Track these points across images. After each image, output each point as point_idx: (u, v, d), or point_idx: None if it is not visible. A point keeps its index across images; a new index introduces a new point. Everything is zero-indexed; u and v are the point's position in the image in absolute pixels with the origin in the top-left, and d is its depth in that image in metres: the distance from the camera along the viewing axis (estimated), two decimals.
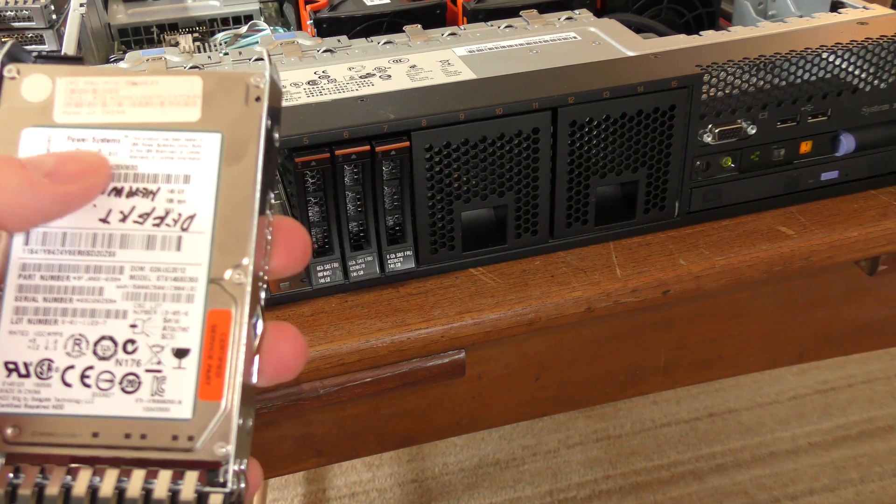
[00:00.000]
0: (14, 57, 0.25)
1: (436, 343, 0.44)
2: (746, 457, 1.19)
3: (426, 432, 0.52)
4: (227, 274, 0.23)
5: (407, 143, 0.42)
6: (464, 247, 0.46)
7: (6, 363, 0.23)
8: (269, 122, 0.24)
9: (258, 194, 0.24)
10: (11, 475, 0.23)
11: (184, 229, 0.24)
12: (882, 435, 1.22)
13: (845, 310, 0.56)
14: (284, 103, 0.45)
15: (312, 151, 0.41)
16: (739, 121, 0.47)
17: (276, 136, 0.25)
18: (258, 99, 0.24)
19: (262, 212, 0.24)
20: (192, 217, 0.24)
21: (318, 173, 0.42)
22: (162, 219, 0.24)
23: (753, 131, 0.47)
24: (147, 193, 0.24)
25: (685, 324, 0.53)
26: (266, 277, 0.24)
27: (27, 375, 0.23)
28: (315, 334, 0.43)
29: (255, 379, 0.24)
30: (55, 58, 0.25)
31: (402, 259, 0.46)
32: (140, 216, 0.24)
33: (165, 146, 0.24)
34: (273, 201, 0.25)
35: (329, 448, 0.50)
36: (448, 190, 0.44)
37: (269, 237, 0.24)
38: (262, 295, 0.24)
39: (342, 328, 0.43)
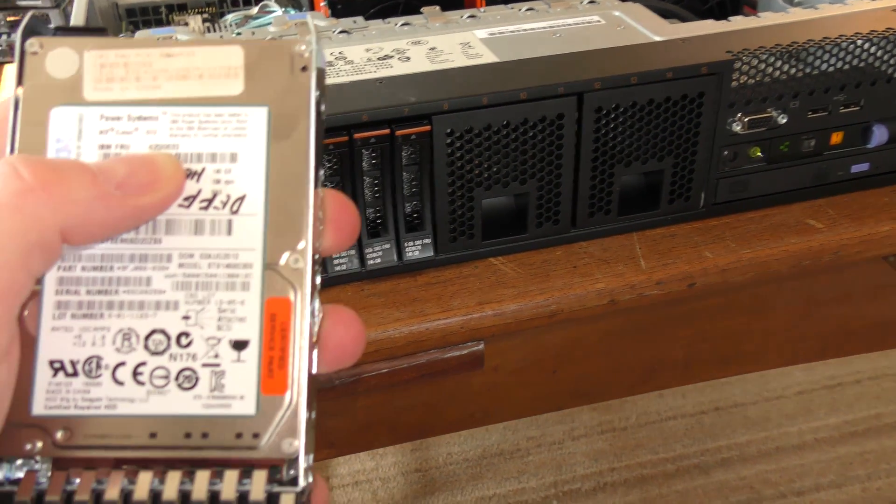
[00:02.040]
0: (34, 30, 0.23)
1: (455, 334, 0.42)
2: (752, 451, 1.18)
3: (439, 425, 0.51)
4: (284, 258, 0.22)
5: (428, 128, 0.41)
6: (484, 235, 0.45)
7: (51, 362, 0.22)
8: (318, 93, 0.23)
9: (312, 171, 0.22)
10: (65, 482, 0.21)
11: (234, 212, 0.22)
12: (889, 431, 1.21)
13: (869, 306, 0.55)
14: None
15: (330, 134, 0.40)
16: (769, 110, 0.46)
17: (324, 108, 0.23)
18: (304, 68, 0.22)
19: (315, 188, 0.22)
20: (241, 198, 0.22)
21: (336, 157, 0.40)
22: (209, 201, 0.22)
23: (784, 121, 0.46)
24: (192, 174, 0.22)
25: (706, 318, 0.52)
26: (320, 258, 0.23)
27: (75, 374, 0.22)
28: None
29: (315, 369, 0.22)
30: (77, 29, 0.23)
31: (420, 247, 0.44)
32: (185, 199, 0.22)
33: (208, 122, 0.22)
34: (322, 177, 0.23)
35: (341, 440, 0.49)
36: (469, 176, 0.43)
37: (322, 214, 0.23)
38: (318, 278, 0.22)
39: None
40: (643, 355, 0.52)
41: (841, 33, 0.45)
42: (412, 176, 0.42)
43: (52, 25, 0.23)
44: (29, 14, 0.23)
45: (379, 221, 0.43)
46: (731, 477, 1.15)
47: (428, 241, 0.44)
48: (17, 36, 0.23)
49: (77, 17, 0.54)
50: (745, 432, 1.21)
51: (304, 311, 0.22)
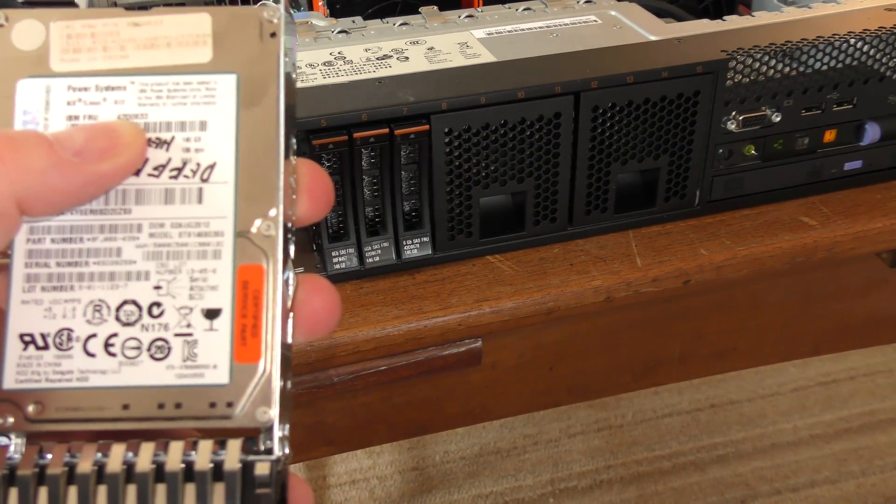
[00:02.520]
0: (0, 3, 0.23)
1: (453, 331, 0.43)
2: (748, 448, 1.19)
3: (438, 422, 0.52)
4: (256, 226, 0.22)
5: (427, 127, 0.41)
6: (482, 233, 0.46)
7: (21, 335, 0.21)
8: (287, 59, 0.22)
9: (282, 138, 0.22)
10: (37, 455, 0.21)
11: (204, 180, 0.22)
12: (884, 427, 1.22)
13: (864, 302, 0.55)
14: (299, 84, 0.44)
15: (330, 134, 0.40)
16: (764, 108, 0.46)
17: (294, 75, 0.23)
18: (273, 34, 0.22)
19: (286, 157, 0.22)
20: (212, 166, 0.22)
21: (335, 156, 0.41)
22: (179, 170, 0.22)
23: (778, 119, 0.47)
24: (161, 143, 0.22)
25: (702, 314, 0.52)
26: (293, 228, 0.23)
27: (45, 347, 0.21)
28: None
29: (290, 339, 0.22)
30: (45, 2, 0.23)
31: (418, 245, 0.45)
32: (155, 168, 0.22)
33: (177, 91, 0.22)
34: (295, 146, 0.23)
35: (340, 437, 0.49)
36: (467, 175, 0.43)
37: (294, 184, 0.23)
38: (292, 247, 0.22)
39: (358, 315, 0.43)
40: (640, 352, 0.53)
41: (834, 32, 0.46)
42: (411, 175, 0.43)
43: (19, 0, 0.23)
44: None
45: (378, 220, 0.44)
46: (727, 473, 1.15)
47: (426, 239, 0.45)
48: None
49: None
50: (741, 429, 1.22)
51: (277, 279, 0.21)
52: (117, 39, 0.22)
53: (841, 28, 0.46)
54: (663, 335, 0.53)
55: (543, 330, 0.49)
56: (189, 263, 0.22)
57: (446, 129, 0.42)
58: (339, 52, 0.47)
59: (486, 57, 0.46)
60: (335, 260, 0.44)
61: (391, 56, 0.46)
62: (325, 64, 0.46)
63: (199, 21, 0.22)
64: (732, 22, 0.48)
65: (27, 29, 0.22)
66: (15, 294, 0.22)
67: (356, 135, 0.40)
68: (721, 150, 0.47)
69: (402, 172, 0.42)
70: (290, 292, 0.22)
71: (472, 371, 0.48)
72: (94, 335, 0.22)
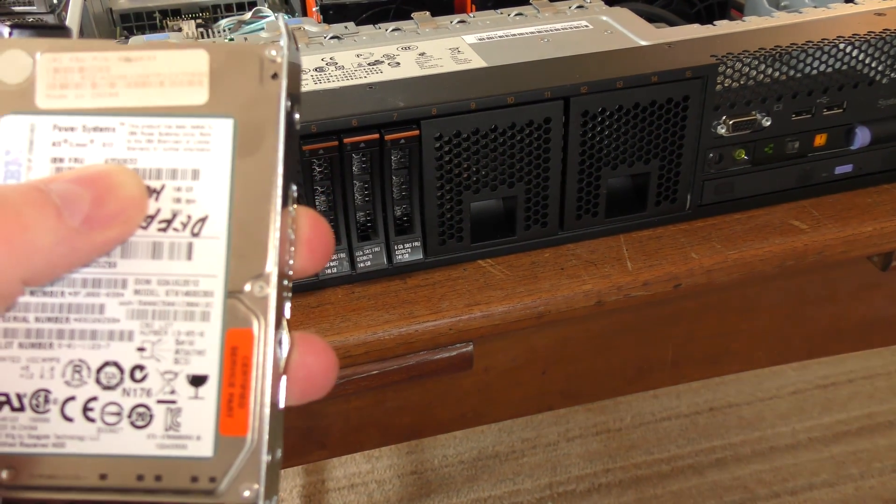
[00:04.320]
0: None
1: (444, 336, 0.43)
2: (746, 451, 1.19)
3: (431, 426, 0.52)
4: (248, 286, 0.20)
5: (417, 132, 0.41)
6: (472, 238, 0.46)
7: None
8: (289, 104, 0.21)
9: (280, 190, 0.20)
10: None
11: (195, 234, 0.20)
12: (882, 430, 1.22)
13: (856, 305, 0.55)
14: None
15: (320, 139, 0.40)
16: (754, 112, 0.46)
17: (297, 117, 0.21)
18: (275, 76, 0.21)
19: (284, 206, 0.21)
20: (203, 220, 0.20)
21: (326, 162, 0.41)
22: (169, 222, 0.20)
23: (768, 123, 0.47)
24: (150, 192, 0.20)
25: (694, 318, 0.52)
26: (290, 284, 0.21)
27: (21, 409, 0.20)
28: (321, 326, 0.42)
29: (282, 403, 0.21)
30: (35, 26, 0.22)
31: (409, 250, 0.45)
32: (143, 220, 0.20)
33: (169, 135, 0.21)
34: (295, 194, 0.21)
35: (333, 441, 0.50)
36: (457, 180, 0.44)
37: (293, 235, 0.21)
38: (288, 305, 0.21)
39: (349, 320, 0.43)
40: (632, 356, 0.53)
41: (824, 37, 0.46)
42: (402, 180, 0.43)
43: (8, 24, 0.22)
44: None
45: (369, 224, 0.44)
46: (726, 477, 1.15)
47: (417, 243, 0.45)
48: None
49: (71, 23, 0.55)
50: (740, 432, 1.22)
51: (268, 344, 0.20)
52: (107, 76, 0.21)
53: (831, 33, 0.46)
54: (656, 339, 0.53)
55: (536, 334, 0.49)
56: (175, 325, 0.20)
57: (436, 135, 0.42)
58: (330, 58, 0.47)
59: (477, 62, 0.46)
60: (327, 265, 0.44)
61: (382, 62, 0.47)
62: (316, 70, 0.46)
63: (195, 58, 0.21)
64: (723, 27, 0.49)
65: (12, 60, 0.21)
66: None
67: (346, 140, 0.41)
68: (711, 155, 0.47)
69: (393, 177, 0.43)
70: (284, 354, 0.21)
71: (464, 375, 0.49)
72: (72, 398, 0.20)
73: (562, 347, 0.51)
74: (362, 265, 0.44)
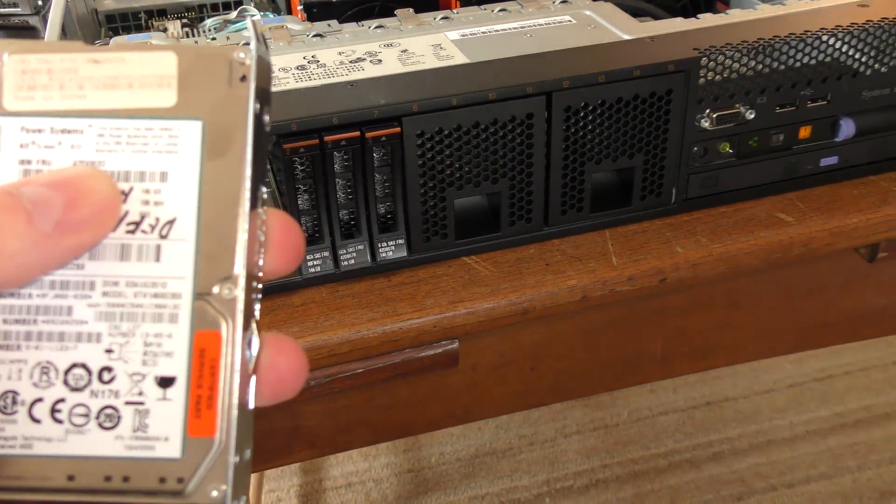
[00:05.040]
0: None
1: (428, 333, 0.43)
2: (743, 445, 1.19)
3: (420, 423, 0.52)
4: (216, 288, 0.20)
5: (398, 129, 0.41)
6: (457, 235, 0.46)
7: None
8: (258, 106, 0.21)
9: (248, 192, 0.20)
10: None
11: (163, 236, 0.20)
12: (879, 422, 1.22)
13: (844, 298, 0.55)
14: (272, 88, 0.44)
15: (301, 138, 0.40)
16: (738, 105, 0.46)
17: (267, 119, 0.22)
18: (244, 78, 0.21)
19: (253, 208, 0.21)
20: (171, 222, 0.20)
21: (308, 160, 0.41)
22: (137, 224, 0.20)
23: (752, 116, 0.47)
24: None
25: (682, 312, 0.52)
26: (260, 285, 0.21)
27: None
28: (305, 325, 0.42)
29: (252, 404, 0.21)
30: (4, 27, 0.21)
31: (393, 247, 0.45)
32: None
33: (137, 137, 0.21)
34: (265, 196, 0.21)
35: (321, 440, 0.49)
36: (440, 177, 0.43)
37: (262, 237, 0.21)
38: (257, 306, 0.21)
39: (333, 318, 0.43)
40: (621, 351, 0.53)
41: (807, 29, 0.46)
42: (384, 177, 0.43)
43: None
44: None
45: (352, 223, 0.44)
46: (723, 471, 1.15)
47: (401, 241, 0.45)
48: None
49: (53, 24, 0.54)
50: (737, 426, 1.22)
51: (236, 345, 0.20)
52: (75, 77, 0.21)
53: (814, 25, 0.46)
54: (644, 333, 0.53)
55: (523, 330, 0.49)
56: (143, 327, 0.20)
57: (418, 132, 0.42)
58: (312, 56, 0.47)
59: (460, 58, 0.46)
60: (310, 263, 0.44)
61: (364, 59, 0.46)
62: (298, 68, 0.46)
63: (164, 60, 0.21)
64: (706, 20, 0.49)
65: None
66: None
67: (327, 138, 0.40)
68: (696, 148, 0.47)
69: (376, 175, 0.42)
70: (253, 355, 0.21)
71: (452, 373, 0.49)
72: (40, 399, 0.20)
73: (549, 343, 0.50)
74: (346, 263, 0.44)
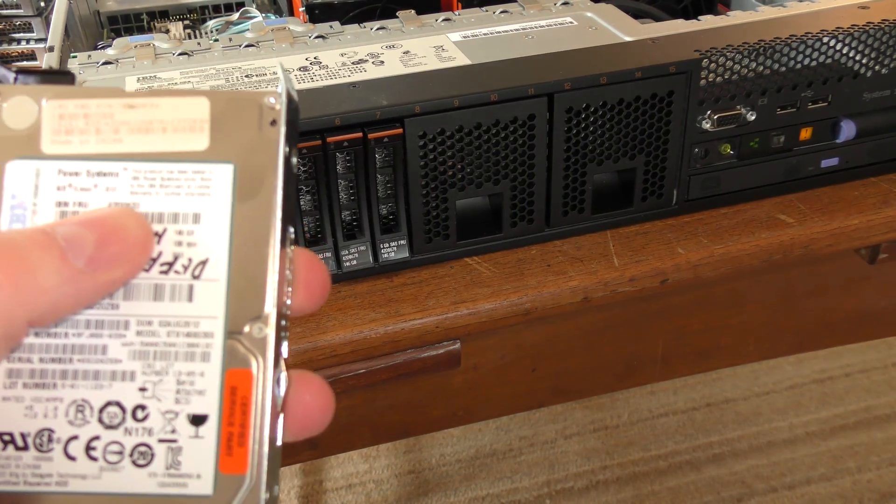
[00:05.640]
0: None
1: (430, 334, 0.43)
2: (744, 446, 1.19)
3: (422, 424, 0.52)
4: (247, 327, 0.21)
5: (400, 130, 0.41)
6: (459, 236, 0.46)
7: (0, 434, 0.21)
8: (287, 149, 0.21)
9: (278, 233, 0.21)
10: None
11: (195, 277, 0.21)
12: (879, 424, 1.22)
13: (845, 299, 0.55)
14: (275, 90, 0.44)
15: (303, 139, 0.40)
16: (739, 107, 0.46)
17: (295, 161, 0.22)
18: (274, 122, 0.21)
19: (282, 247, 0.21)
20: (204, 262, 0.21)
21: (310, 161, 0.41)
22: (170, 265, 0.21)
23: (753, 118, 0.47)
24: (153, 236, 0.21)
25: (683, 313, 0.52)
26: (288, 324, 0.22)
27: (25, 448, 0.21)
28: (307, 325, 0.42)
29: (280, 441, 0.21)
30: (40, 72, 0.22)
31: (395, 248, 0.45)
32: (147, 261, 0.21)
33: (171, 180, 0.21)
34: (292, 236, 0.22)
35: (323, 441, 0.50)
36: (442, 178, 0.44)
37: (290, 276, 0.22)
38: (285, 344, 0.21)
39: (335, 319, 0.43)
40: (622, 351, 0.53)
41: (807, 30, 0.46)
42: (386, 178, 0.43)
43: (13, 69, 0.22)
44: None
45: (355, 224, 0.44)
46: (723, 472, 1.15)
47: (403, 242, 0.45)
48: None
49: (56, 26, 0.55)
50: (737, 428, 1.22)
51: (267, 383, 0.21)
52: (111, 122, 0.21)
53: (814, 26, 0.46)
54: (645, 335, 0.53)
55: (525, 331, 0.49)
56: (176, 365, 0.21)
57: (420, 133, 0.42)
58: (314, 57, 0.47)
59: (461, 60, 0.46)
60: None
61: (367, 60, 0.47)
62: (300, 69, 0.46)
63: (197, 106, 0.21)
64: (707, 22, 0.49)
65: (19, 106, 0.21)
66: None
67: (329, 139, 0.41)
68: (697, 150, 0.47)
69: (378, 176, 0.43)
70: (282, 392, 0.21)
71: (454, 373, 0.49)
72: (75, 437, 0.21)
73: (551, 344, 0.51)
74: (348, 264, 0.44)
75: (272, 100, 0.21)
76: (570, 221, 0.47)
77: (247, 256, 0.21)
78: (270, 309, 0.21)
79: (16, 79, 0.22)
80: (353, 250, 0.44)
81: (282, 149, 0.21)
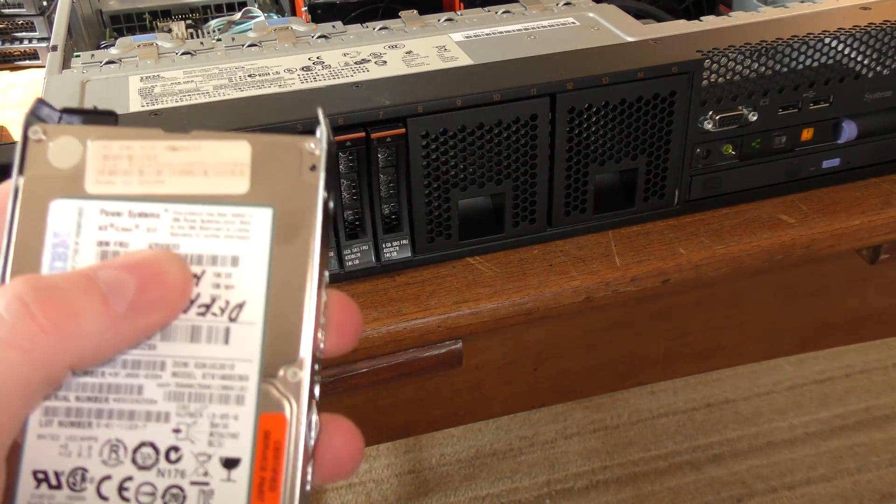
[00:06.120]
0: (39, 117, 0.22)
1: (432, 333, 0.43)
2: (744, 447, 1.19)
3: (424, 423, 0.52)
4: (281, 371, 0.21)
5: (403, 130, 0.41)
6: (461, 235, 0.46)
7: (35, 472, 0.20)
8: (326, 194, 0.22)
9: (315, 278, 0.21)
10: None
11: (232, 319, 0.21)
12: (879, 424, 1.22)
13: (846, 299, 0.55)
14: (277, 89, 0.44)
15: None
16: (740, 107, 0.46)
17: (332, 205, 0.22)
18: (313, 168, 0.21)
19: (318, 290, 0.21)
20: (241, 305, 0.21)
21: None
22: (208, 307, 0.21)
23: (754, 118, 0.47)
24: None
25: (685, 313, 0.52)
26: (320, 367, 0.22)
27: (58, 487, 0.21)
28: None
29: (309, 486, 0.21)
30: (85, 112, 0.22)
31: (398, 248, 0.45)
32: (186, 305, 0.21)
33: (210, 222, 0.21)
34: (327, 280, 0.22)
35: None
36: (445, 178, 0.44)
37: (324, 319, 0.22)
38: (318, 388, 0.21)
39: None
40: (623, 351, 0.53)
41: (809, 31, 0.46)
42: (389, 178, 0.43)
43: (58, 108, 0.22)
44: (35, 100, 0.22)
45: (357, 223, 0.44)
46: (723, 472, 1.15)
47: (406, 241, 0.45)
48: (22, 121, 0.22)
49: (59, 25, 0.55)
50: (737, 428, 1.22)
51: (300, 428, 0.21)
52: (154, 164, 0.22)
53: (816, 27, 0.46)
54: (647, 334, 0.53)
55: (526, 331, 0.49)
56: (210, 407, 0.21)
57: (423, 133, 0.42)
58: (317, 57, 0.47)
59: (464, 60, 0.46)
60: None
61: (369, 60, 0.47)
62: (303, 69, 0.46)
63: (238, 149, 0.22)
64: (709, 22, 0.49)
65: (64, 146, 0.22)
66: (32, 427, 0.21)
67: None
68: (699, 150, 0.47)
69: (381, 176, 0.43)
70: (314, 437, 0.21)
71: (456, 373, 0.49)
72: (108, 477, 0.21)
73: (553, 344, 0.51)
74: (350, 264, 0.44)
75: (312, 145, 0.21)
76: (572, 221, 0.47)
77: (283, 300, 0.21)
78: (305, 353, 0.21)
79: (60, 118, 0.22)
80: (355, 250, 0.44)
81: (321, 194, 0.21)
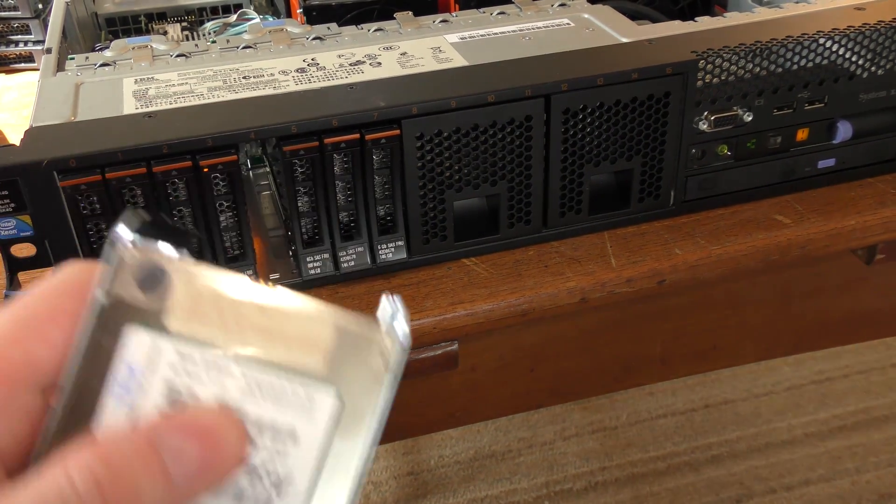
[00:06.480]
0: (131, 230, 0.21)
1: (428, 335, 0.43)
2: (742, 447, 1.19)
3: (420, 425, 0.52)
4: None
5: (397, 131, 0.41)
6: (456, 237, 0.46)
7: None
8: (389, 394, 0.21)
9: (363, 472, 0.21)
10: None
11: (277, 493, 0.21)
12: (878, 425, 1.22)
13: (842, 299, 0.55)
14: (272, 91, 0.44)
15: (301, 140, 0.40)
16: (735, 108, 0.46)
17: (392, 399, 0.22)
18: (386, 364, 0.21)
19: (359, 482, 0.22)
20: (288, 480, 0.21)
21: (307, 162, 0.41)
22: (258, 474, 0.21)
23: (749, 118, 0.47)
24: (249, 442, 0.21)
25: (681, 314, 0.52)
26: None
27: None
28: None
29: None
30: (164, 228, 0.21)
31: (393, 249, 0.45)
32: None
33: (280, 393, 0.21)
34: (370, 466, 0.22)
35: None
36: (439, 179, 0.44)
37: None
38: None
39: None
40: (620, 352, 0.53)
41: (804, 32, 0.46)
42: (384, 179, 0.43)
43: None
44: (129, 211, 0.21)
45: (352, 225, 0.44)
46: (722, 473, 1.15)
47: (401, 243, 0.45)
48: (111, 231, 0.21)
49: (54, 28, 0.55)
50: (735, 429, 1.22)
51: None
52: (239, 318, 0.21)
53: (811, 27, 0.46)
54: (643, 335, 0.53)
55: (523, 332, 0.49)
56: None
57: (417, 134, 0.42)
58: (312, 59, 0.47)
59: (459, 61, 0.46)
60: (310, 265, 0.44)
61: (364, 62, 0.47)
62: (298, 70, 0.46)
63: (323, 328, 0.21)
64: (704, 23, 0.49)
65: (152, 271, 0.21)
66: None
67: (327, 140, 0.41)
68: (694, 151, 0.47)
69: (375, 177, 0.43)
70: None
71: (452, 374, 0.49)
72: None
73: (549, 345, 0.51)
74: (346, 265, 0.44)
75: (388, 343, 0.21)
76: (567, 222, 0.47)
77: (328, 487, 0.21)
78: None
79: (141, 230, 0.21)
80: (350, 251, 0.44)
81: (384, 395, 0.21)
